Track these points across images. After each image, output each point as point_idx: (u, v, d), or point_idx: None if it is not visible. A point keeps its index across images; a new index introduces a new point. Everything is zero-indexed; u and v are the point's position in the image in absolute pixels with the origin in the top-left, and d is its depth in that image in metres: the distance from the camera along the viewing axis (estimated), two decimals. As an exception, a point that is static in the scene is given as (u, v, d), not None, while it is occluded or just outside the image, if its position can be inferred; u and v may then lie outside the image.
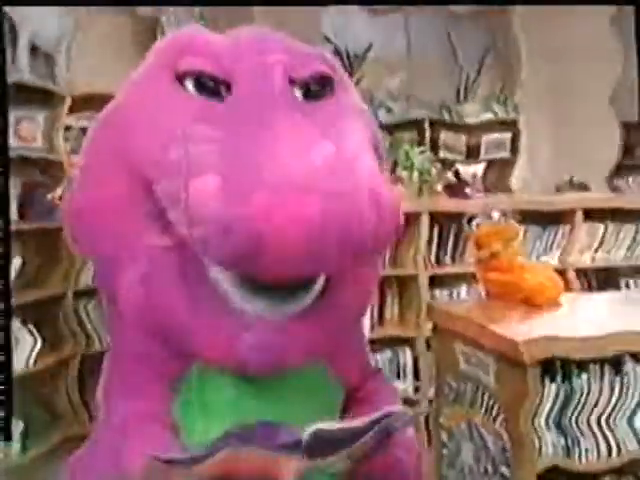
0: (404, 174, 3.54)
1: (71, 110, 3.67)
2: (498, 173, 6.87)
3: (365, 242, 1.05)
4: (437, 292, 3.54)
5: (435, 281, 3.60)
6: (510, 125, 6.74)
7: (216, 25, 5.55)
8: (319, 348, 1.24)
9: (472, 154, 6.60)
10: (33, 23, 3.63)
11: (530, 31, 6.83)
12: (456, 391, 2.08)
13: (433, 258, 3.60)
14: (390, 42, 6.93)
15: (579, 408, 1.82)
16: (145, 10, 4.71)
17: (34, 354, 3.41)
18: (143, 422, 1.24)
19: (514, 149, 6.71)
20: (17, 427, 3.33)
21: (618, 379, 1.82)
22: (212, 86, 1.11)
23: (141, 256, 1.15)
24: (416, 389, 3.52)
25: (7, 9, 3.36)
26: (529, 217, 3.27)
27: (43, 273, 3.66)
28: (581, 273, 3.76)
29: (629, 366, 1.83)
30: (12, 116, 3.32)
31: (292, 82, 1.16)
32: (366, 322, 3.08)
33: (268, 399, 1.25)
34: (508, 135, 6.72)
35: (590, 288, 3.72)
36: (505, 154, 6.70)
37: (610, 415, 1.84)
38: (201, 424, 1.22)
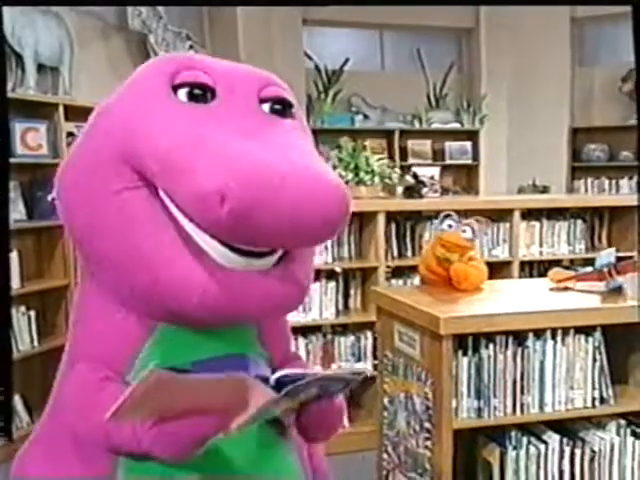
0: (366, 178, 3.69)
1: (71, 119, 3.80)
2: (466, 177, 7.08)
3: (338, 221, 1.17)
4: (394, 281, 3.69)
5: (395, 272, 3.76)
6: (472, 134, 6.95)
7: (202, 43, 5.71)
8: (280, 301, 1.31)
9: (438, 158, 6.81)
10: (34, 43, 3.78)
11: (493, 49, 7.03)
12: (392, 363, 2.29)
13: (395, 252, 3.77)
14: (366, 57, 7.11)
15: (490, 375, 2.03)
16: (135, 24, 4.86)
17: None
18: (104, 382, 1.27)
19: (475, 156, 6.93)
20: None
21: (520, 350, 2.04)
22: (201, 94, 1.25)
23: (118, 212, 1.24)
24: (375, 367, 3.68)
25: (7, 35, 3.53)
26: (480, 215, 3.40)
27: (47, 265, 3.83)
28: (526, 264, 3.94)
29: (531, 340, 2.05)
30: (19, 128, 3.50)
31: (261, 101, 1.32)
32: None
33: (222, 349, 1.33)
34: (469, 143, 6.93)
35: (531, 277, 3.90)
36: (468, 160, 6.96)
37: (515, 381, 2.05)
38: None
